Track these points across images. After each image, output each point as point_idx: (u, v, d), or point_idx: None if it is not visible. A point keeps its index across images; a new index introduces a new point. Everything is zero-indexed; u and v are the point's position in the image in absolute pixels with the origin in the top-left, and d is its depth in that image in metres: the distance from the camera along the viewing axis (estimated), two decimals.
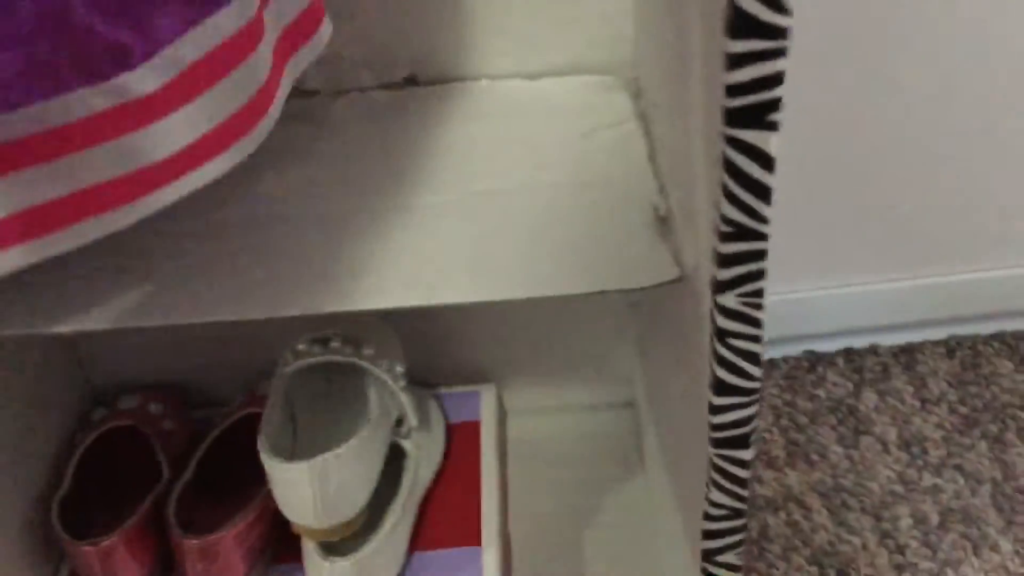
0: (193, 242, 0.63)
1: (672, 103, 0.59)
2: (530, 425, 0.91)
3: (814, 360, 0.96)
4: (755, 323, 0.49)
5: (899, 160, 0.88)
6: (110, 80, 0.44)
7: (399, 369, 0.76)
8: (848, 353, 0.96)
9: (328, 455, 0.67)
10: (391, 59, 0.74)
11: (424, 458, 0.80)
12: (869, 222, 0.92)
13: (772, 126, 0.43)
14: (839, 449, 0.88)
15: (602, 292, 0.59)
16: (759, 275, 0.47)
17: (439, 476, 0.81)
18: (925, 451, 0.87)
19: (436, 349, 0.87)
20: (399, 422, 0.77)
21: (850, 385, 0.93)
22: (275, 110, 0.52)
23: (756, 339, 0.49)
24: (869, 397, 0.92)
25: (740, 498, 0.56)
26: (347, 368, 0.74)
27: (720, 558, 0.60)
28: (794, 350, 0.97)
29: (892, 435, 0.89)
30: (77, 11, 0.42)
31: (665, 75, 0.61)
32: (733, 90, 0.42)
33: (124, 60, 0.44)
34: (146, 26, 0.44)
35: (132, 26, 0.43)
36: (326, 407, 0.76)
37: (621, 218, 0.62)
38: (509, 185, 0.65)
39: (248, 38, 0.48)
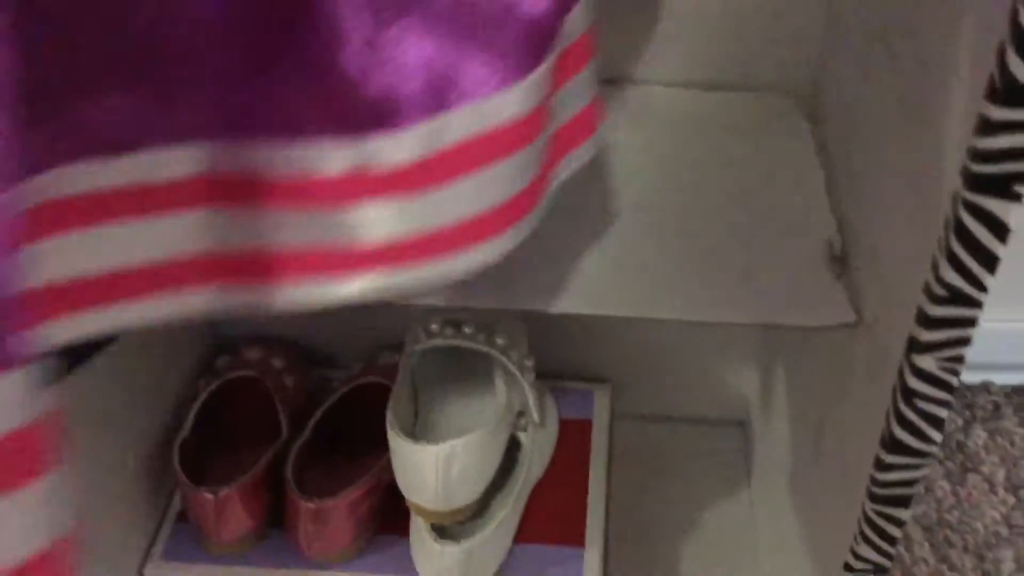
0: None
1: (873, 145, 0.57)
2: (638, 430, 0.91)
3: None
4: (948, 388, 0.48)
5: None
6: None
7: (528, 363, 0.76)
8: (960, 389, 0.94)
9: (457, 442, 0.67)
10: None
11: (538, 453, 0.80)
12: None
13: (1017, 197, 0.42)
14: (946, 485, 0.87)
15: (770, 327, 0.58)
16: (965, 342, 0.46)
17: (548, 470, 0.82)
18: None
19: (556, 343, 0.87)
20: (519, 415, 0.77)
21: (960, 421, 0.92)
22: (542, 205, 0.51)
23: (945, 404, 0.49)
24: (979, 435, 0.91)
25: (887, 555, 0.56)
26: (477, 355, 0.74)
27: None
28: None
29: (1000, 476, 0.88)
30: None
31: (863, 115, 0.59)
32: (982, 156, 0.41)
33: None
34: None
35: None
36: (451, 390, 0.76)
37: (793, 250, 0.60)
38: (676, 200, 0.64)
39: (533, 124, 0.47)
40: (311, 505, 0.73)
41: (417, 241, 0.45)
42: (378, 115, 0.42)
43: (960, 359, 0.47)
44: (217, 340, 0.89)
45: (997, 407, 0.93)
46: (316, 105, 0.42)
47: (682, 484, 0.87)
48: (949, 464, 0.88)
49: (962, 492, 0.87)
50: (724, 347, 0.86)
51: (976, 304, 0.45)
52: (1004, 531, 0.84)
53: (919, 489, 0.56)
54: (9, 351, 0.32)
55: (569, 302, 0.58)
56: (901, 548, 0.82)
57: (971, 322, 0.46)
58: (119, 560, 0.75)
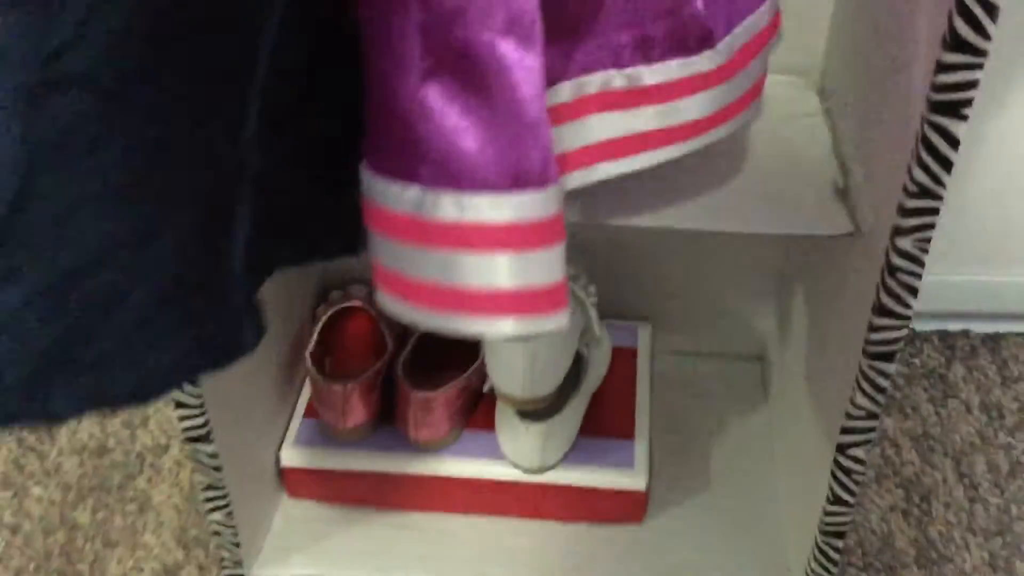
0: None
1: (866, 100, 0.76)
2: (670, 363, 1.10)
3: (913, 336, 1.13)
4: (920, 263, 0.67)
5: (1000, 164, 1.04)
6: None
7: (591, 289, 0.95)
8: (942, 334, 1.13)
9: (540, 341, 0.85)
10: None
11: (596, 365, 0.98)
12: (970, 221, 1.08)
13: (964, 117, 0.61)
14: (929, 407, 1.05)
15: (787, 235, 0.77)
16: (931, 227, 0.65)
17: (604, 383, 1.00)
18: (1002, 416, 1.04)
19: (602, 288, 1.06)
20: (582, 334, 0.96)
21: (942, 359, 1.10)
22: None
23: (918, 276, 0.67)
24: (958, 369, 1.09)
25: (878, 403, 0.74)
26: None
27: (851, 452, 0.77)
28: None
29: (975, 401, 1.06)
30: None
31: (859, 80, 0.79)
32: (939, 88, 0.60)
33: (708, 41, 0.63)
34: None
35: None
36: None
37: (805, 182, 0.79)
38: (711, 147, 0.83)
39: (772, 27, 0.69)
40: (420, 395, 0.91)
41: None
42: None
43: (928, 240, 0.66)
44: (327, 282, 1.08)
45: (974, 349, 1.11)
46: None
47: (711, 404, 1.05)
48: (933, 391, 1.07)
49: (943, 412, 1.05)
50: (746, 291, 1.05)
51: (938, 197, 0.64)
52: (978, 442, 1.02)
53: (900, 346, 0.73)
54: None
55: (615, 215, 0.77)
56: (892, 452, 1.00)
57: (935, 211, 0.64)
58: (260, 445, 0.93)
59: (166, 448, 1.03)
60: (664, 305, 1.09)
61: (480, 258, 0.52)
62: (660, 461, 0.98)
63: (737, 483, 0.99)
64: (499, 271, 0.52)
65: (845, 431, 0.76)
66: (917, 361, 1.10)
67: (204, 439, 0.82)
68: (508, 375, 0.87)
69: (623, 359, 1.04)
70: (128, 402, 0.50)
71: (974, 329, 1.13)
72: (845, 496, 0.79)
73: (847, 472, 0.78)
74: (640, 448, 0.95)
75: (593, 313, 0.94)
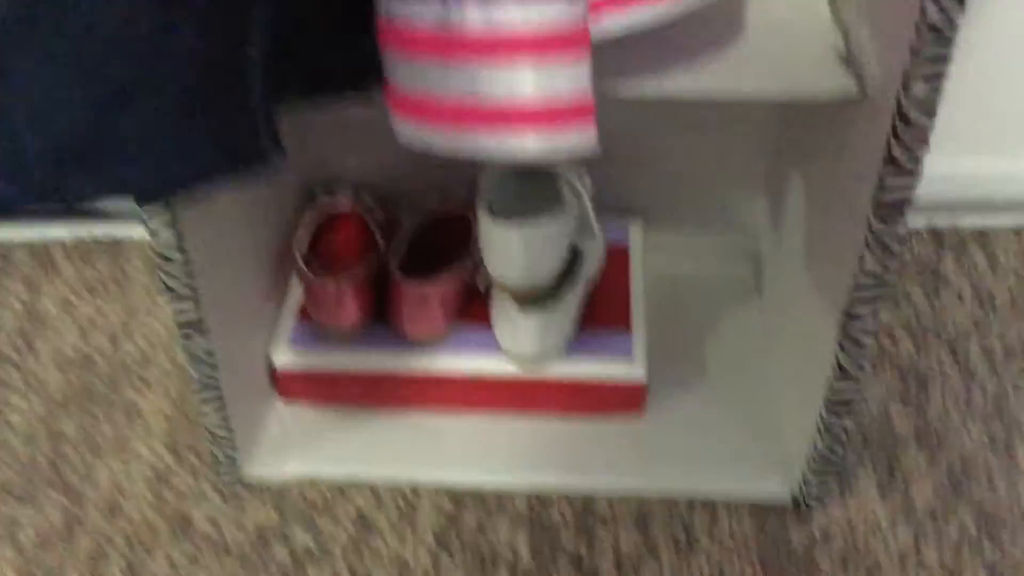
0: None
1: None
2: (662, 262, 1.08)
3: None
4: (932, 112, 0.65)
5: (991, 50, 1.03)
6: None
7: (587, 181, 0.93)
8: (932, 230, 1.13)
9: (539, 224, 0.84)
10: None
11: (592, 259, 0.97)
12: (957, 109, 1.07)
13: None
14: (922, 297, 1.05)
15: (788, 103, 0.75)
16: (943, 74, 0.64)
17: (598, 280, 0.99)
18: (994, 304, 1.04)
19: (595, 182, 1.05)
20: (578, 226, 0.94)
21: (932, 251, 1.10)
22: None
23: (930, 128, 0.66)
24: (948, 262, 1.09)
25: (887, 268, 0.73)
26: (547, 175, 0.91)
27: (858, 322, 0.76)
28: None
29: (967, 292, 1.06)
30: None
31: None
32: None
33: None
34: None
35: None
36: (526, 208, 0.92)
37: (809, 49, 0.78)
38: (710, 13, 0.81)
39: None
40: (414, 287, 0.89)
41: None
42: None
43: (940, 87, 0.64)
44: (312, 185, 1.05)
45: (963, 243, 1.11)
46: None
47: (703, 299, 1.05)
48: (925, 283, 1.07)
49: (936, 302, 1.05)
50: (739, 181, 1.04)
51: (950, 41, 0.62)
52: (972, 329, 1.02)
53: (909, 205, 0.73)
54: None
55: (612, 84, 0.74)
56: (887, 342, 1.00)
57: (946, 58, 0.63)
58: (253, 346, 0.91)
59: (152, 359, 1.00)
60: (655, 201, 1.08)
61: (504, 68, 0.51)
62: (658, 354, 0.97)
63: (735, 374, 0.98)
64: (524, 81, 0.51)
65: (853, 301, 0.76)
66: (908, 255, 1.10)
67: (199, 330, 0.79)
68: (505, 261, 0.86)
69: (616, 257, 1.02)
70: (148, 190, 0.49)
71: (963, 224, 1.13)
72: (852, 369, 0.79)
73: (855, 342, 0.77)
74: (638, 339, 0.94)
75: (588, 205, 0.93)
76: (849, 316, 0.76)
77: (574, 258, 0.95)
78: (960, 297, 1.06)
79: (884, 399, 0.96)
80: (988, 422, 0.94)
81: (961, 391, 0.96)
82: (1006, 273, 1.08)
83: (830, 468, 0.85)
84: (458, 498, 0.89)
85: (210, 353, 0.81)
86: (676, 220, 1.08)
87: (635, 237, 1.05)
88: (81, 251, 1.12)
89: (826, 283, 0.82)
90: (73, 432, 0.94)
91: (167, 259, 0.75)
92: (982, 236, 1.12)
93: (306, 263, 0.93)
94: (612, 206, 1.07)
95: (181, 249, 0.75)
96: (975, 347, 1.00)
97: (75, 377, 0.99)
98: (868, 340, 0.78)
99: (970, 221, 1.14)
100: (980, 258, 1.10)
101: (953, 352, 1.00)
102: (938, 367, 0.99)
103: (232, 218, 0.86)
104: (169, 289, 0.76)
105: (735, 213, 1.07)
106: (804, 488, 0.87)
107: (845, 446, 0.84)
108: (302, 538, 0.86)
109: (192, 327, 0.79)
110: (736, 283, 1.07)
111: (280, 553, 0.85)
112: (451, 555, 0.85)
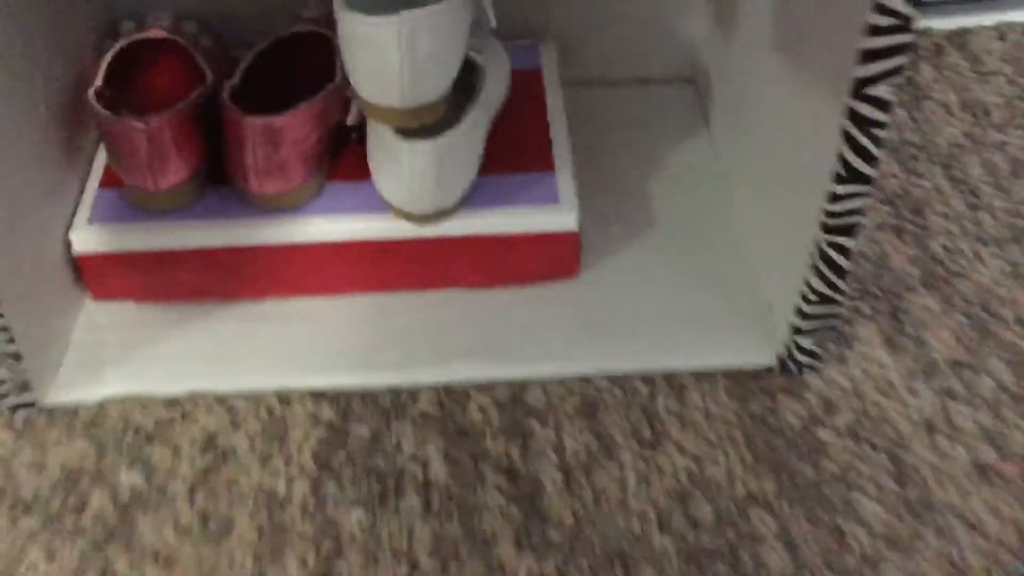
0: None
1: None
2: (588, 95, 0.86)
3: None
4: None
5: None
6: None
7: None
8: None
9: (419, 12, 0.60)
10: None
11: (494, 79, 0.74)
12: None
13: None
14: (902, 112, 0.85)
15: None
16: None
17: (507, 113, 0.76)
18: (988, 113, 0.85)
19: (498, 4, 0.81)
20: (473, 29, 0.70)
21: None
22: None
23: None
24: (926, 71, 0.89)
25: (906, 21, 0.52)
26: None
27: (872, 90, 0.55)
28: None
29: (953, 101, 0.86)
30: None
31: None
32: None
33: None
34: None
35: None
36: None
37: None
38: None
39: None
40: (258, 122, 0.65)
41: None
42: None
43: None
44: (116, 12, 0.79)
45: (939, 47, 0.92)
46: None
47: (639, 133, 0.83)
48: (901, 95, 0.87)
49: (919, 116, 0.85)
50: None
51: None
52: (967, 143, 0.83)
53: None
54: None
55: None
56: None
57: None
58: (44, 227, 0.66)
59: None
60: (570, 21, 0.85)
61: None
62: (589, 200, 0.76)
63: (685, 216, 0.77)
64: None
65: (862, 79, 0.55)
66: None
67: None
68: (380, 77, 0.62)
69: (527, 83, 0.79)
70: None
71: (936, 27, 0.94)
72: (864, 167, 0.58)
73: (868, 126, 0.56)
74: (564, 180, 0.72)
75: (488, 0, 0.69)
76: (859, 90, 0.55)
77: (471, 75, 0.71)
78: (947, 109, 0.86)
79: (874, 232, 0.76)
80: (1004, 247, 0.75)
81: (966, 215, 0.77)
82: (995, 77, 0.89)
83: (825, 320, 0.65)
84: (341, 404, 0.66)
85: None
86: (596, 44, 0.86)
87: (548, 60, 0.82)
88: None
89: (820, 69, 0.61)
90: None
91: None
92: (959, 37, 0.93)
93: (109, 107, 0.67)
94: (520, 27, 0.84)
95: None
96: (974, 164, 0.81)
97: None
98: (885, 122, 0.57)
99: (943, 23, 0.95)
100: (961, 63, 0.90)
101: (949, 172, 0.81)
102: (935, 191, 0.79)
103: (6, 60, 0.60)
104: None
105: (669, 18, 0.85)
106: (793, 350, 0.67)
107: (841, 290, 0.64)
108: (128, 478, 0.62)
109: None
110: (677, 116, 0.86)
111: (99, 500, 0.61)
112: (338, 479, 0.62)
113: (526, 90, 0.79)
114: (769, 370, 0.68)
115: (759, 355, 0.68)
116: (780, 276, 0.68)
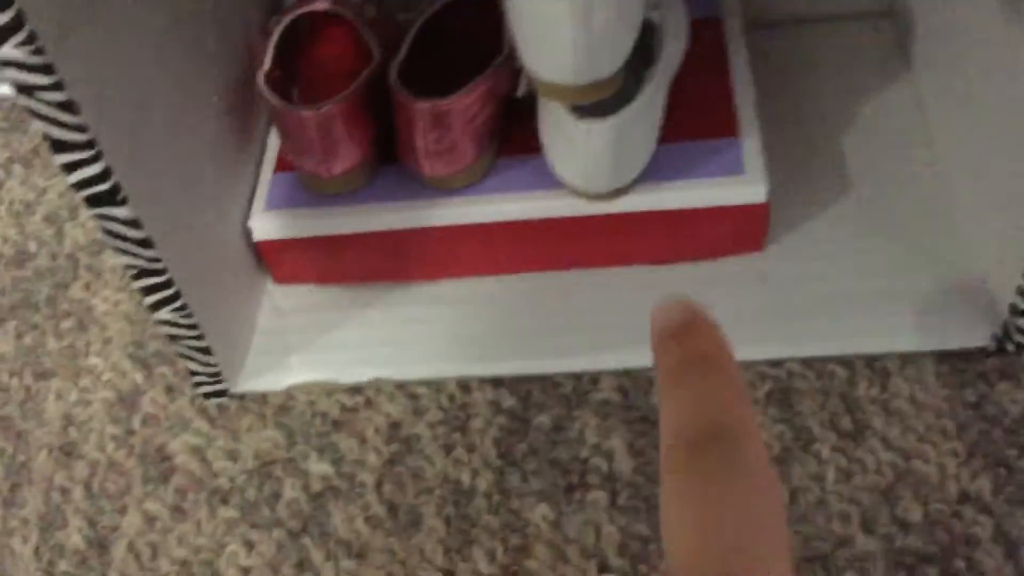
0: None
1: None
2: (773, 37, 0.80)
3: None
4: None
5: None
6: None
7: None
8: None
9: None
10: None
11: (673, 36, 0.69)
12: None
13: None
14: None
15: None
16: None
17: (686, 70, 0.71)
18: None
19: None
20: None
21: None
22: None
23: None
24: None
25: None
26: None
27: None
28: None
29: None
30: None
31: None
32: None
33: None
34: None
35: None
36: None
37: None
38: None
39: None
40: (426, 105, 0.63)
41: None
42: None
43: None
44: None
45: None
46: None
47: (829, 80, 0.76)
48: None
49: None
50: None
51: None
52: None
53: None
54: None
55: None
56: None
57: None
58: (223, 217, 0.67)
59: (105, 244, 0.77)
60: None
61: None
62: (773, 165, 0.70)
63: (884, 178, 0.70)
64: None
65: None
66: None
67: (111, 200, 0.55)
68: (552, 53, 0.58)
69: (706, 34, 0.74)
70: None
71: None
72: None
73: None
74: (750, 147, 0.67)
75: None
76: None
77: (648, 38, 0.67)
78: None
79: None
80: None
81: None
82: None
83: None
84: (521, 390, 0.65)
85: (134, 223, 0.56)
86: None
87: (730, 4, 0.76)
88: None
89: None
90: (10, 349, 0.72)
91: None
92: None
93: (276, 88, 0.67)
94: None
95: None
96: None
97: (9, 278, 0.76)
98: None
99: None
100: None
101: None
102: None
103: (162, 42, 0.60)
104: (59, 147, 0.51)
105: None
106: (1012, 330, 0.61)
107: None
108: (318, 467, 0.63)
109: (94, 187, 0.54)
110: (871, 45, 0.78)
111: (292, 490, 0.63)
112: (521, 470, 0.61)
113: (705, 41, 0.73)
114: (984, 352, 0.62)
115: (973, 335, 0.62)
116: (997, 246, 0.62)
